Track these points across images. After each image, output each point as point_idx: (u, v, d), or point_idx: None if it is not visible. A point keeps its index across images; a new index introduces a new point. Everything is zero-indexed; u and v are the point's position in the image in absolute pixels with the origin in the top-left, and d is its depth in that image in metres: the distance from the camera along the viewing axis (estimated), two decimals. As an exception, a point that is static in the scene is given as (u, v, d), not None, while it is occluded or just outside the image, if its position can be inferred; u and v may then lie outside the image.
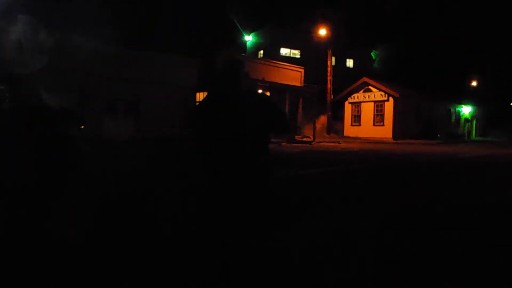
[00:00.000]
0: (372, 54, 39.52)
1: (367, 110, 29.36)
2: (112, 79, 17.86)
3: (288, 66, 26.97)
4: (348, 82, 30.58)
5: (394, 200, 5.33)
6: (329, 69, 28.35)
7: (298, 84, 26.48)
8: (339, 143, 22.22)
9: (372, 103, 28.98)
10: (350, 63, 38.13)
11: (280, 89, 23.98)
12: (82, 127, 16.01)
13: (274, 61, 26.79)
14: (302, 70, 27.30)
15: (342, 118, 30.86)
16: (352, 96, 30.41)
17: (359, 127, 29.78)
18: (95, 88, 17.27)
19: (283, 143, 18.42)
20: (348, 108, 30.82)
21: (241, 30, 35.91)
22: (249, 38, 36.86)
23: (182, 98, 20.07)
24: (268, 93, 23.20)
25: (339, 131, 30.06)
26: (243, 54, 29.52)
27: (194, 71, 21.09)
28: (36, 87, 15.06)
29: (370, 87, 29.18)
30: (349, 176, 8.02)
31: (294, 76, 26.54)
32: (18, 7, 14.67)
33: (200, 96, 22.41)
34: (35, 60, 14.42)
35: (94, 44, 16.68)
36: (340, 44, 30.60)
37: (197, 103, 21.28)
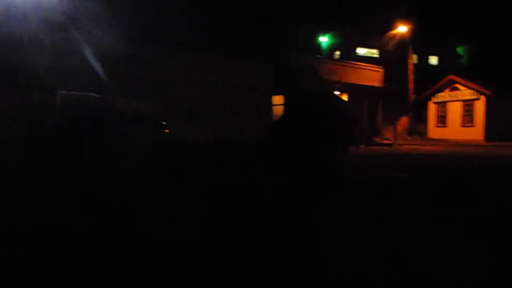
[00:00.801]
0: (459, 49, 36.71)
1: (454, 110, 27.30)
2: (192, 86, 18.67)
3: (366, 66, 26.07)
4: (431, 80, 28.72)
5: None
6: (410, 67, 26.89)
7: (377, 84, 25.46)
8: (422, 145, 20.93)
9: (460, 103, 26.88)
10: (433, 60, 35.83)
11: (358, 91, 23.27)
12: (167, 131, 16.88)
13: (351, 62, 26.06)
14: (381, 70, 26.20)
15: (425, 119, 29.06)
16: (436, 96, 28.51)
17: (445, 128, 27.79)
18: (177, 95, 18.18)
19: (361, 146, 17.81)
20: (432, 108, 28.95)
21: (316, 31, 35.54)
22: (324, 39, 36.32)
23: (258, 101, 20.35)
24: (345, 95, 22.63)
25: (422, 133, 28.33)
26: (318, 56, 29.16)
27: (269, 75, 21.28)
28: (126, 96, 16.30)
29: (457, 85, 27.10)
30: (429, 184, 7.46)
31: (372, 77, 25.57)
32: (97, 20, 15.93)
33: (276, 99, 22.56)
34: (125, 69, 15.59)
35: (174, 52, 17.60)
36: (422, 41, 28.87)
37: (274, 107, 21.49)
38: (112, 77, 15.74)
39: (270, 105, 21.66)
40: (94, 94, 16.11)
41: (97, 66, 15.54)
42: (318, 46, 36.25)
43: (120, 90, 16.15)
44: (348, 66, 24.95)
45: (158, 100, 17.57)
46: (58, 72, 14.93)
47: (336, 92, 21.86)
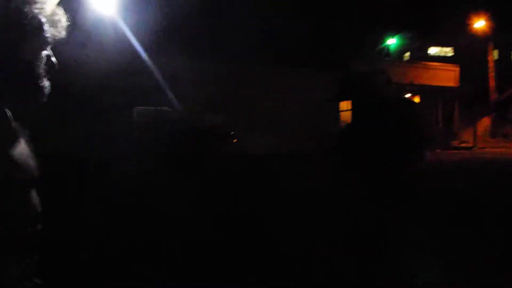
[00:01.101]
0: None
1: (545, 108, 24.71)
2: (254, 98, 18.99)
3: (439, 66, 24.66)
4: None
5: None
6: (490, 64, 24.90)
7: (452, 84, 23.92)
8: (509, 148, 19.22)
9: (551, 99, 24.30)
10: (517, 54, 32.83)
11: (431, 92, 22.06)
12: (235, 140, 17.37)
13: (423, 62, 24.85)
14: (457, 69, 24.58)
15: (510, 120, 26.61)
16: (523, 93, 26.03)
17: (535, 128, 25.24)
18: (239, 107, 18.62)
19: (437, 150, 16.81)
20: (518, 107, 26.46)
21: (383, 34, 34.40)
22: (392, 41, 34.99)
23: (320, 111, 20.14)
24: (417, 98, 21.58)
25: (508, 135, 25.93)
26: (386, 59, 28.17)
27: (331, 83, 20.99)
28: (196, 110, 17.10)
29: (547, 80, 24.55)
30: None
31: (447, 76, 24.08)
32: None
33: (343, 105, 22.16)
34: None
35: (235, 67, 18.13)
36: (503, 35, 26.61)
37: (341, 113, 21.13)
38: (187, 93, 16.63)
39: (337, 112, 21.34)
40: (167, 108, 17.14)
41: (168, 83, 16.49)
42: (386, 49, 35.01)
43: (193, 104, 17.03)
44: (419, 67, 23.82)
45: (226, 113, 18.19)
46: (133, 90, 16.08)
47: (408, 95, 20.95)
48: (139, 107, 16.88)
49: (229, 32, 20.63)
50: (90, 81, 14.86)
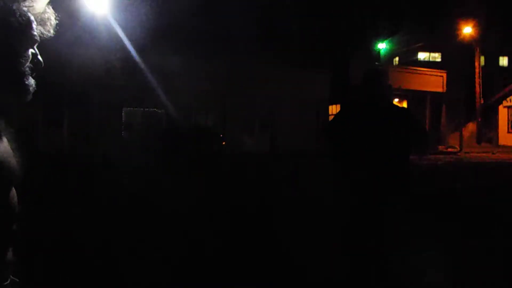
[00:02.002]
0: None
1: (529, 114, 25.20)
2: (248, 98, 19.01)
3: (427, 71, 24.98)
4: (501, 83, 26.77)
5: None
6: (477, 70, 25.32)
7: (439, 89, 24.26)
8: (493, 153, 19.53)
9: (536, 106, 24.78)
10: (504, 61, 33.44)
11: (419, 97, 22.33)
12: (224, 143, 17.31)
13: (411, 67, 25.14)
14: (444, 74, 24.94)
15: (495, 125, 27.05)
16: (508, 99, 26.48)
17: (519, 134, 25.70)
18: (233, 107, 18.62)
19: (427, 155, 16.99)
20: (503, 113, 26.91)
21: (374, 38, 34.71)
22: (382, 46, 35.28)
23: (314, 112, 20.24)
24: (405, 102, 21.83)
25: (493, 140, 26.38)
26: (377, 63, 28.44)
27: (325, 84, 21.11)
28: (186, 110, 17.01)
29: (531, 87, 25.05)
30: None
31: (434, 82, 24.42)
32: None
33: (333, 109, 22.28)
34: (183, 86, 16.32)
35: (229, 66, 18.09)
36: (490, 41, 27.08)
37: (331, 116, 21.25)
38: (173, 93, 16.53)
39: (327, 114, 21.46)
40: (156, 109, 17.08)
41: (157, 83, 16.41)
42: (376, 53, 35.31)
43: (181, 104, 16.93)
44: (408, 72, 24.08)
45: (216, 113, 18.16)
46: (123, 90, 15.96)
47: (396, 100, 21.18)
48: (128, 108, 16.79)
49: (219, 30, 20.59)
50: (79, 80, 14.74)
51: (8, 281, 0.89)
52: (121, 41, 15.42)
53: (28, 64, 0.93)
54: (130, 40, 15.63)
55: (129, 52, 15.82)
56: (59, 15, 1.02)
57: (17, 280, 0.92)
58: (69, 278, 2.97)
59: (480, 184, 7.94)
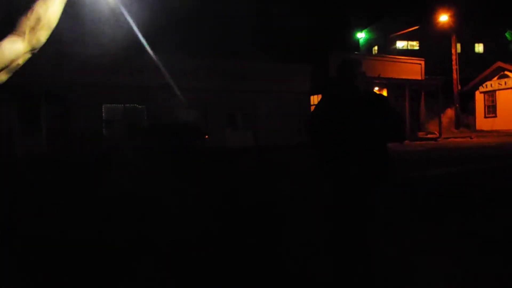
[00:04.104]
0: (507, 34, 34.71)
1: (504, 99, 25.83)
2: (230, 92, 18.98)
3: (405, 59, 25.34)
4: (477, 69, 27.35)
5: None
6: (454, 57, 25.79)
7: (418, 77, 24.65)
8: (471, 138, 20.03)
9: (511, 90, 25.42)
10: (479, 48, 34.11)
11: (398, 85, 22.64)
12: (207, 137, 17.24)
13: (390, 56, 25.43)
14: (422, 62, 25.35)
15: (472, 111, 27.70)
16: (484, 85, 27.11)
17: (495, 118, 26.36)
18: (215, 102, 18.56)
19: (405, 141, 17.34)
20: (479, 99, 27.55)
21: (352, 28, 34.96)
22: (361, 35, 35.60)
23: (296, 104, 20.35)
24: (385, 91, 22.11)
25: (470, 125, 27.04)
26: (356, 53, 28.70)
27: (306, 76, 21.22)
28: (167, 105, 16.89)
29: (506, 72, 25.63)
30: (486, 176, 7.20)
31: (413, 70, 24.80)
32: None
33: (314, 99, 22.42)
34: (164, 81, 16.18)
35: (211, 61, 18.01)
36: (466, 28, 27.59)
37: (312, 107, 21.38)
38: (156, 89, 16.38)
39: (308, 106, 21.58)
40: (136, 105, 16.90)
41: (140, 79, 16.20)
42: (356, 43, 35.59)
43: (163, 100, 16.80)
44: (387, 61, 24.38)
45: (198, 108, 18.06)
46: (103, 87, 15.74)
47: (375, 88, 21.43)
48: (108, 104, 16.56)
49: (200, 26, 20.44)
50: (57, 78, 14.45)
51: None
52: (100, 37, 15.15)
53: None
54: (109, 36, 15.37)
55: (108, 48, 15.56)
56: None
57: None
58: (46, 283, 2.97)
59: (455, 170, 8.16)
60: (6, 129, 13.86)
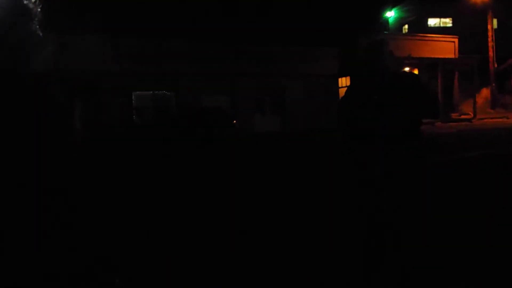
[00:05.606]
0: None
1: (545, 76, 24.52)
2: (258, 76, 18.89)
3: (438, 37, 24.37)
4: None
5: None
6: (490, 33, 24.62)
7: (451, 56, 23.71)
8: (507, 118, 19.21)
9: (551, 67, 24.08)
10: (517, 23, 32.33)
11: (430, 64, 21.89)
12: (235, 122, 17.26)
13: (421, 34, 24.53)
14: (456, 40, 24.31)
15: (509, 90, 26.45)
16: (522, 62, 25.78)
17: (534, 97, 25.12)
18: (244, 87, 18.55)
19: (437, 123, 16.83)
20: (517, 77, 26.26)
21: (382, 7, 33.85)
22: (391, 14, 34.41)
23: (323, 88, 20.07)
24: (416, 71, 21.43)
25: (507, 105, 25.86)
26: (385, 32, 27.83)
27: (335, 59, 20.85)
28: (196, 92, 16.99)
29: (547, 48, 24.27)
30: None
31: (446, 48, 23.84)
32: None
33: (342, 81, 22.02)
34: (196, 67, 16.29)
35: (239, 46, 17.95)
36: (501, 3, 26.18)
37: (340, 89, 21.04)
38: (185, 75, 16.55)
39: (336, 89, 21.24)
40: (165, 92, 17.10)
41: (168, 67, 16.36)
42: (385, 22, 34.47)
43: (191, 87, 16.97)
44: (418, 40, 23.54)
45: (226, 93, 18.13)
46: (132, 75, 15.99)
47: (406, 68, 20.79)
48: (137, 92, 16.83)
49: (225, 10, 20.37)
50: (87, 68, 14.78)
51: None
52: (125, 26, 15.37)
53: None
54: (135, 25, 15.57)
55: (135, 36, 15.77)
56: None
57: None
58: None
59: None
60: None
